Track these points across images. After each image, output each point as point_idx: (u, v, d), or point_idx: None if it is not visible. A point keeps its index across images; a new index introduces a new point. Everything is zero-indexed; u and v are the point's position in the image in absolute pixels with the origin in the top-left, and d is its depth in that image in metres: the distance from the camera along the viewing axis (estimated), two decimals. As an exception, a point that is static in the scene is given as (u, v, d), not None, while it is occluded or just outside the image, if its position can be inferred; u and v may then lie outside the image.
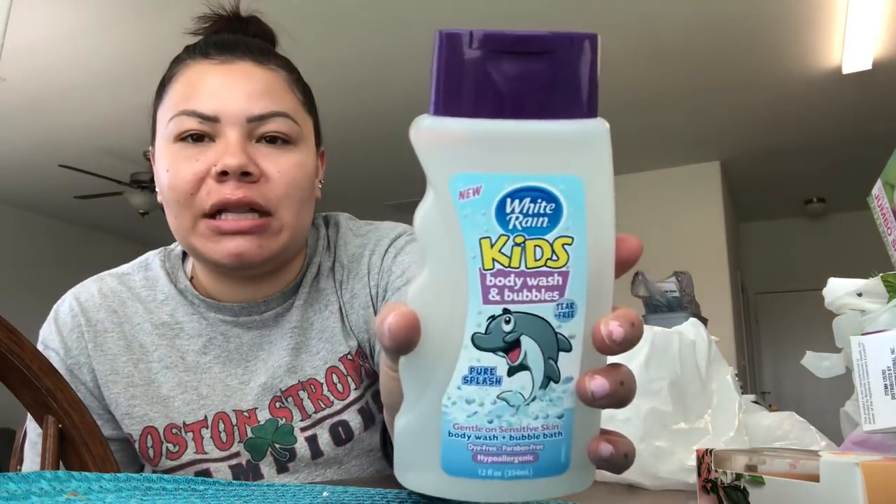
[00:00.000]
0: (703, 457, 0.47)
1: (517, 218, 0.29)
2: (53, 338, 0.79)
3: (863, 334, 0.54)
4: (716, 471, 0.45)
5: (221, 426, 0.77)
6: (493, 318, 0.29)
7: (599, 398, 0.29)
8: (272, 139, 0.73)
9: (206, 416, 0.77)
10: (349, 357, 0.79)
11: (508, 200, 0.28)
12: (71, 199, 5.77)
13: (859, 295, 0.62)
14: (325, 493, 0.39)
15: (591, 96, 0.29)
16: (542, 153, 0.29)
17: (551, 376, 0.30)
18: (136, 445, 0.78)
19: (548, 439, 0.30)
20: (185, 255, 0.85)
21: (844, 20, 3.50)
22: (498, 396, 0.30)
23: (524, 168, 0.29)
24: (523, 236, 0.29)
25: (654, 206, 5.17)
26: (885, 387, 0.51)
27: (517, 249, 0.29)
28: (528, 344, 0.29)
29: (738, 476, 0.42)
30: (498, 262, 0.29)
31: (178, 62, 0.77)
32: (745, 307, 6.63)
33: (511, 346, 0.29)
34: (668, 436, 0.66)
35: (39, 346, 0.80)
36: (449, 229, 0.29)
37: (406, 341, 0.29)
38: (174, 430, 0.77)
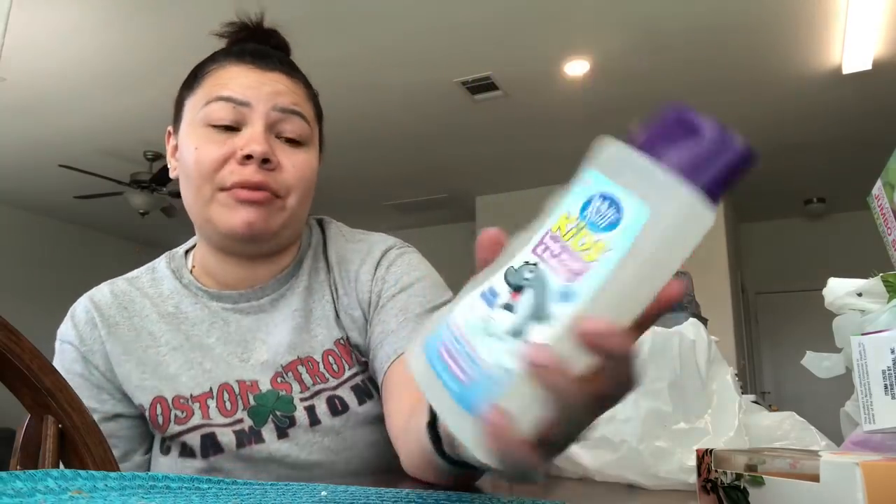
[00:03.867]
0: (703, 457, 0.47)
1: (592, 212, 0.35)
2: (70, 332, 0.88)
3: (863, 334, 0.54)
4: (716, 471, 0.45)
5: (226, 396, 0.85)
6: (526, 263, 0.35)
7: (533, 364, 0.31)
8: (288, 139, 0.85)
9: (211, 388, 0.85)
10: (341, 341, 0.88)
11: (597, 198, 0.35)
12: (71, 199, 5.77)
13: (859, 295, 0.63)
14: (323, 493, 0.39)
15: (718, 187, 0.32)
16: (642, 176, 0.33)
17: (522, 331, 0.33)
18: (147, 415, 0.85)
19: (483, 377, 0.33)
20: (187, 253, 0.94)
21: (844, 20, 3.50)
22: (486, 315, 0.35)
23: (622, 181, 0.34)
24: (584, 224, 0.34)
25: (654, 205, 5.15)
26: (885, 387, 0.51)
27: (574, 230, 0.35)
28: (527, 295, 0.34)
29: (738, 476, 0.42)
30: (560, 230, 0.35)
31: (214, 61, 0.88)
32: (745, 307, 6.63)
33: (519, 289, 0.34)
34: (668, 436, 0.67)
35: (56, 344, 0.88)
36: (560, 199, 0.37)
37: (489, 246, 0.37)
38: (182, 401, 0.85)
